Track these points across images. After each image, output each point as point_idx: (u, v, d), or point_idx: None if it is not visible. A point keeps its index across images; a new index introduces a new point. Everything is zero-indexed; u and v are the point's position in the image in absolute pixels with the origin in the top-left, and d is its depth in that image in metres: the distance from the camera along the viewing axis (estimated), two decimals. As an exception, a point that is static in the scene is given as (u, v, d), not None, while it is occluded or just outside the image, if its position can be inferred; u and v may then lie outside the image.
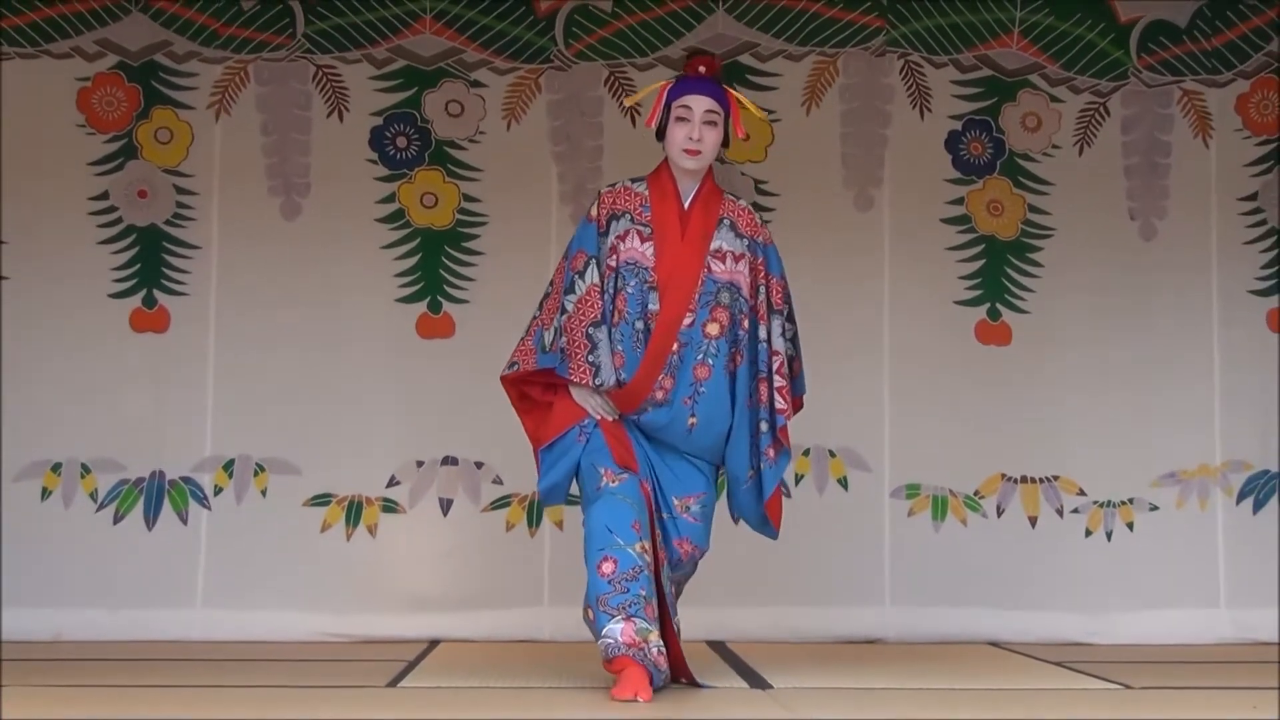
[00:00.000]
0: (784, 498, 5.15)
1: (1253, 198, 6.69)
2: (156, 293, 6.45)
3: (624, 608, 4.71)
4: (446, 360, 6.40)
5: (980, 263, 6.63)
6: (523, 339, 5.08)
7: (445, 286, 6.51)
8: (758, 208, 5.24)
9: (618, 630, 4.69)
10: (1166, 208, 6.68)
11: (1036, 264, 6.64)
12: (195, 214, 6.47)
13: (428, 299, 6.50)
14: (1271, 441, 6.61)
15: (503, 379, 5.09)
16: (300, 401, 6.45)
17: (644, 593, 4.74)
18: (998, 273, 6.63)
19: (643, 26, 6.54)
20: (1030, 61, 6.67)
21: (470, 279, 6.50)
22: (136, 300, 6.45)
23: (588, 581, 4.80)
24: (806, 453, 6.49)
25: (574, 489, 5.05)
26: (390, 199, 6.52)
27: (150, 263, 6.45)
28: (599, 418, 4.98)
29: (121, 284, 6.45)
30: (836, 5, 6.60)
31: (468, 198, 6.53)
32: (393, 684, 5.11)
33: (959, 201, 6.65)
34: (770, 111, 6.51)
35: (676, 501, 5.01)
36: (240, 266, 6.47)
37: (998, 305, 6.62)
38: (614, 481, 4.90)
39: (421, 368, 6.47)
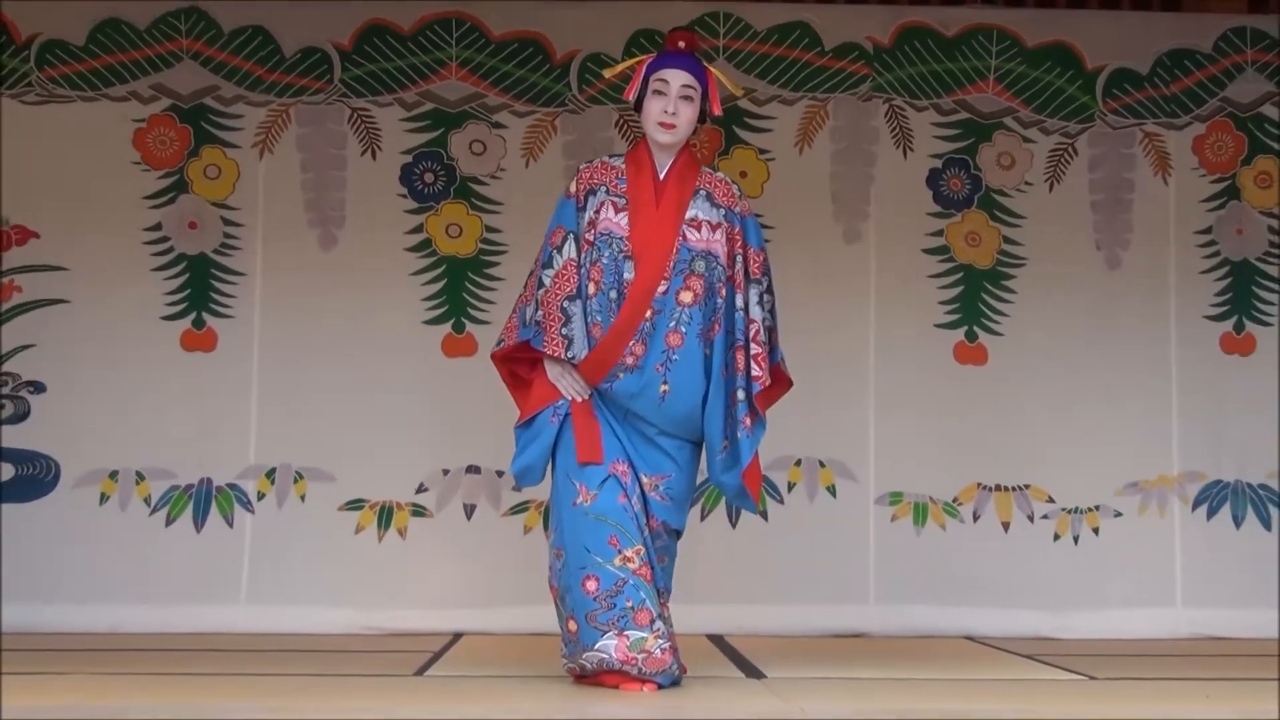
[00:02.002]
0: (773, 499, 5.18)
1: (1208, 231, 6.84)
2: (205, 315, 6.61)
3: (614, 622, 4.68)
4: (469, 377, 6.41)
5: (959, 289, 6.78)
6: (510, 316, 4.97)
7: (468, 309, 6.65)
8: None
9: (611, 646, 4.67)
10: (1130, 240, 6.80)
11: (1010, 290, 6.78)
12: (241, 244, 6.62)
13: (452, 321, 6.66)
14: (1223, 454, 6.75)
15: (493, 356, 4.98)
16: (336, 415, 6.57)
17: (630, 604, 4.67)
18: (975, 298, 6.77)
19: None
20: (1005, 105, 6.80)
21: (491, 302, 6.62)
22: (186, 323, 6.60)
23: (573, 596, 4.74)
24: (798, 463, 6.61)
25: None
26: (418, 230, 6.66)
27: (199, 288, 6.60)
28: (571, 398, 4.81)
29: (173, 307, 6.61)
30: (826, 55, 6.74)
31: (489, 229, 6.68)
32: (419, 673, 5.23)
33: (939, 233, 6.79)
34: (765, 151, 6.72)
35: (645, 480, 4.83)
36: (281, 292, 6.61)
37: (975, 328, 6.77)
38: (588, 500, 4.75)
39: (447, 384, 6.56)
